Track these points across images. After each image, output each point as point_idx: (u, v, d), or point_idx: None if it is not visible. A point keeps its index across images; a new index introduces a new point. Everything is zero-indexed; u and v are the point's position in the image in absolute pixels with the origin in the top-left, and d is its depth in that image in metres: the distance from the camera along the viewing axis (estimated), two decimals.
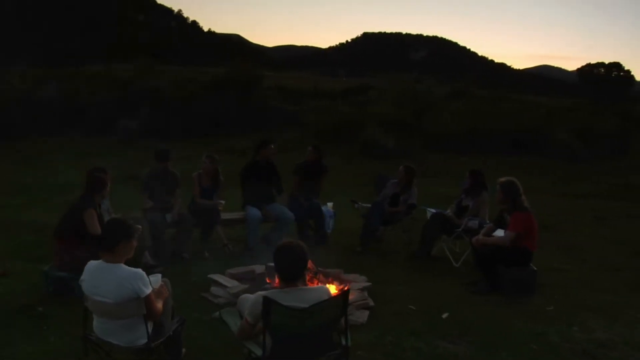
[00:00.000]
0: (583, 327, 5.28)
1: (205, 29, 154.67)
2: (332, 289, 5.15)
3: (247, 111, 24.66)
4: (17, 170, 14.90)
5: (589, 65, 72.25)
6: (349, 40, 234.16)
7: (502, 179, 6.31)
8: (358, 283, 5.74)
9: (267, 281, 5.58)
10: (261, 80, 29.17)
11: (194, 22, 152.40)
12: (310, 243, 6.50)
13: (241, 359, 3.91)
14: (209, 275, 5.90)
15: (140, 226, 4.31)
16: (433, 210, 7.97)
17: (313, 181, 8.29)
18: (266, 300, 3.23)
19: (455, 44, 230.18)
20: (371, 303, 5.56)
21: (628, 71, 70.09)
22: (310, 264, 4.21)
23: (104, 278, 3.47)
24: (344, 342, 3.53)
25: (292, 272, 3.42)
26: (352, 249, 7.81)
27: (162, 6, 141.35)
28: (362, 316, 5.21)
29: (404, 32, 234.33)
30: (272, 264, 5.61)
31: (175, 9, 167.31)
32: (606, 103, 37.18)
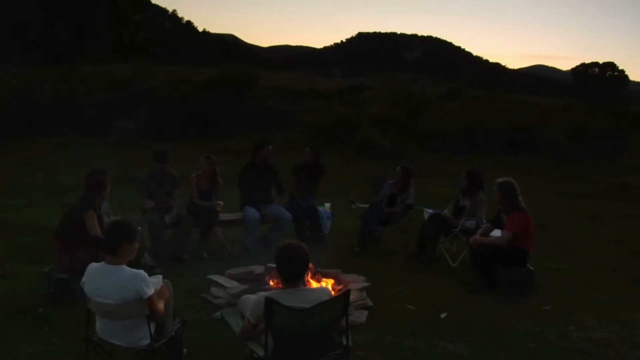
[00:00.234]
0: (580, 326, 5.32)
1: (200, 29, 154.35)
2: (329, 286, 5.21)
3: (244, 111, 24.66)
4: (15, 171, 14.87)
5: (583, 65, 72.47)
6: (344, 40, 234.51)
7: (500, 180, 6.36)
8: (357, 283, 5.77)
9: (267, 281, 5.61)
10: (257, 81, 29.20)
11: (189, 22, 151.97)
12: (309, 243, 6.52)
13: (242, 359, 3.94)
14: (208, 276, 5.92)
15: (139, 227, 4.33)
16: (430, 211, 8.01)
17: (311, 182, 8.32)
18: (268, 301, 3.26)
19: (450, 44, 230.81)
20: (370, 303, 5.60)
21: (622, 71, 70.42)
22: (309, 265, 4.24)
23: (106, 279, 3.49)
24: (344, 342, 3.56)
25: (293, 272, 3.46)
26: (350, 249, 7.83)
27: (156, 6, 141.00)
28: (361, 316, 5.24)
29: (398, 32, 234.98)
30: (271, 265, 5.69)
31: (170, 9, 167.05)
32: (601, 103, 37.33)
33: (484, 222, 7.09)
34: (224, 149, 18.81)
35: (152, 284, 3.61)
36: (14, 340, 4.64)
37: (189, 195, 7.77)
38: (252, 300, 3.57)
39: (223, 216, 7.79)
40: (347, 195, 10.50)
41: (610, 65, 69.83)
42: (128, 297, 3.45)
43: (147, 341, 3.54)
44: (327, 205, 8.47)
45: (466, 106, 25.20)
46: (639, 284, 6.77)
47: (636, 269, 7.46)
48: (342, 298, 3.48)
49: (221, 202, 7.79)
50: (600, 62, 70.78)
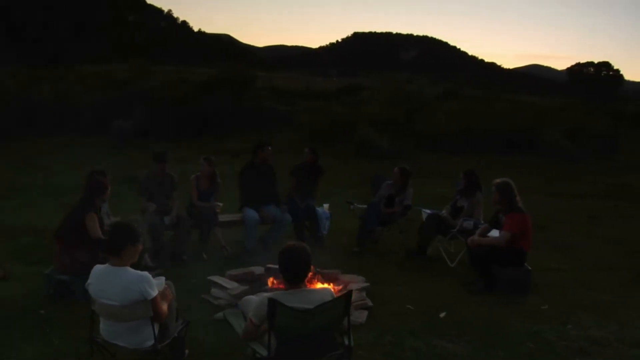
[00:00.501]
0: (579, 325, 5.37)
1: (196, 29, 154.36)
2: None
3: (241, 112, 24.68)
4: (14, 171, 14.85)
5: (578, 65, 72.67)
6: (340, 40, 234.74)
7: (498, 180, 6.40)
8: (356, 284, 5.80)
9: (267, 282, 5.65)
10: (254, 81, 29.20)
11: (184, 22, 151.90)
12: (307, 244, 6.54)
13: (244, 359, 3.98)
14: (208, 277, 5.94)
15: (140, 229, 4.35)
16: (428, 211, 8.05)
17: (310, 183, 8.34)
18: (271, 302, 3.29)
19: (446, 44, 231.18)
20: (370, 303, 5.63)
21: (617, 70, 70.60)
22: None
23: (110, 281, 3.52)
24: (346, 342, 3.60)
25: (296, 273, 3.49)
26: (349, 249, 7.87)
27: (152, 6, 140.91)
28: (361, 316, 5.28)
29: (394, 32, 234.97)
30: (271, 265, 5.72)
31: (165, 9, 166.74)
32: (597, 102, 37.45)
33: (482, 222, 7.14)
34: (222, 149, 18.82)
35: (156, 285, 3.63)
36: (16, 342, 4.65)
37: (188, 197, 7.78)
38: (255, 301, 3.60)
39: (222, 217, 7.80)
40: (345, 196, 10.53)
41: (606, 65, 70.01)
42: (132, 299, 3.48)
43: (151, 342, 3.56)
44: (326, 205, 8.49)
45: (463, 106, 25.25)
46: (638, 284, 6.82)
47: (635, 268, 7.51)
48: (344, 299, 3.52)
49: (221, 204, 7.81)
50: (596, 61, 70.97)
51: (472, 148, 19.93)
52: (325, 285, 5.27)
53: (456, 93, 31.32)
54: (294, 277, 3.49)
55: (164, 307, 3.67)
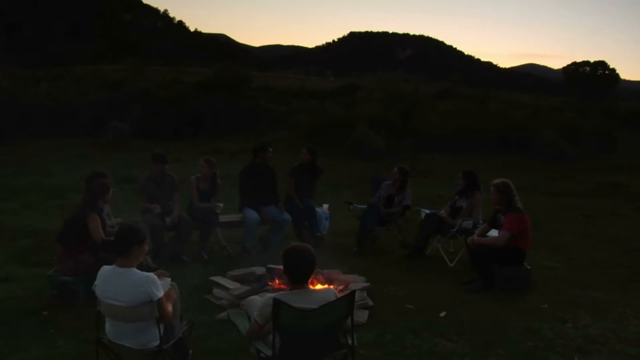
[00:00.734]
0: (576, 323, 5.43)
1: (192, 29, 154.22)
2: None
3: (237, 112, 24.73)
4: (10, 173, 14.85)
5: (574, 64, 72.61)
6: (336, 40, 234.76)
7: (497, 181, 6.47)
8: (357, 283, 5.85)
9: (268, 283, 5.70)
10: (250, 81, 29.26)
11: (180, 22, 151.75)
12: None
13: (247, 359, 4.02)
14: (210, 278, 5.98)
15: None
16: (427, 211, 8.11)
17: (309, 183, 8.38)
18: (276, 302, 3.34)
19: (442, 43, 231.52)
20: (370, 303, 5.69)
21: (613, 69, 70.48)
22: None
23: (117, 282, 3.56)
24: (349, 341, 3.65)
25: (301, 274, 3.54)
26: (348, 249, 7.92)
27: (148, 6, 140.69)
28: (362, 316, 5.32)
29: (390, 32, 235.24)
30: (272, 266, 5.77)
31: (161, 9, 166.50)
32: (592, 102, 37.60)
33: (481, 222, 7.21)
34: (218, 150, 18.87)
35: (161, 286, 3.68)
36: (23, 344, 4.69)
37: (188, 197, 7.82)
38: (260, 301, 3.65)
39: (222, 218, 7.84)
40: (341, 196, 10.59)
41: (601, 64, 69.97)
42: (139, 300, 3.52)
43: (156, 343, 3.60)
44: (326, 206, 8.53)
45: (459, 106, 25.37)
46: (634, 282, 6.89)
47: (629, 267, 7.60)
48: (348, 299, 3.57)
49: (221, 204, 7.85)
50: (592, 60, 70.89)
51: (467, 148, 20.03)
52: (327, 286, 5.33)
53: (452, 92, 31.44)
54: (299, 277, 3.54)
55: (170, 307, 3.72)
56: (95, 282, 3.64)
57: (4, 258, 7.42)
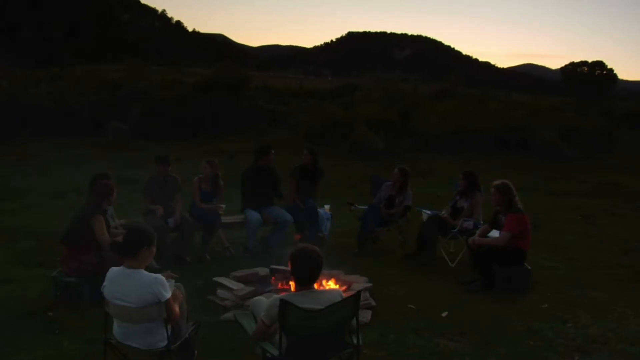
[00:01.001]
0: (576, 323, 5.47)
1: (190, 29, 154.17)
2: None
3: (236, 112, 24.75)
4: (10, 173, 14.85)
5: (572, 64, 72.71)
6: (334, 40, 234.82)
7: (497, 182, 6.52)
8: (360, 284, 5.89)
9: (272, 283, 5.74)
10: (249, 81, 29.28)
11: (178, 22, 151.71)
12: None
13: (252, 359, 4.06)
14: (214, 278, 6.02)
15: None
16: (428, 212, 8.16)
17: (310, 184, 8.41)
18: (283, 303, 3.38)
19: (440, 43, 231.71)
20: (373, 303, 5.73)
21: (611, 69, 70.54)
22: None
23: (126, 284, 3.59)
24: (355, 341, 3.69)
25: (309, 275, 3.58)
26: (349, 250, 7.97)
27: (146, 6, 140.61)
28: (365, 316, 5.36)
29: (388, 32, 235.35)
30: (276, 267, 5.81)
31: (159, 9, 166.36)
32: (590, 101, 37.67)
33: (482, 222, 7.25)
34: (218, 150, 18.89)
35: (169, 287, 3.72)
36: (29, 345, 4.72)
37: (191, 198, 7.85)
38: (266, 302, 3.69)
39: (225, 219, 7.87)
40: (341, 196, 10.61)
41: (599, 64, 70.06)
42: (147, 301, 3.55)
43: (164, 343, 3.64)
44: (327, 207, 8.56)
45: (458, 106, 25.40)
46: (633, 282, 6.95)
47: (629, 267, 7.64)
48: (353, 299, 3.61)
49: (223, 205, 7.89)
50: (590, 60, 71.00)
51: (466, 148, 20.07)
52: (332, 285, 5.37)
53: (451, 92, 31.48)
54: (306, 278, 3.59)
55: (177, 308, 3.76)
56: (104, 283, 3.68)
57: (5, 259, 7.44)
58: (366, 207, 8.33)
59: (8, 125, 20.53)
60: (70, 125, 21.78)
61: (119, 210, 7.46)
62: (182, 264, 7.01)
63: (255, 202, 7.71)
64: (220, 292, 5.79)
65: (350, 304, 3.59)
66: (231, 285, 5.74)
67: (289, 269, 3.76)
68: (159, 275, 3.64)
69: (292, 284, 5.29)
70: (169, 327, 3.65)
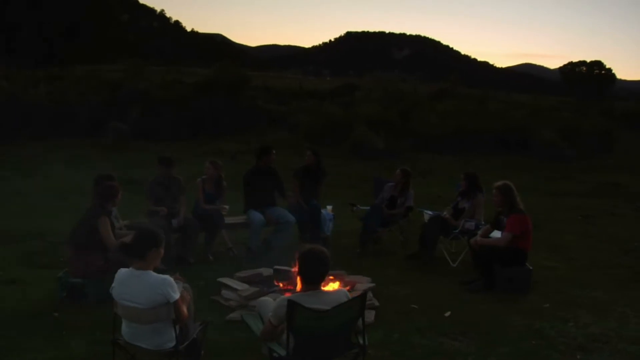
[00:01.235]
0: (577, 322, 5.52)
1: (189, 29, 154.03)
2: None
3: (235, 112, 24.75)
4: (10, 174, 14.84)
5: (570, 64, 72.81)
6: (332, 40, 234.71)
7: (499, 183, 6.57)
8: (363, 284, 5.94)
9: (275, 284, 5.78)
10: (249, 81, 29.26)
11: (177, 22, 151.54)
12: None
13: (259, 359, 4.11)
14: (218, 279, 6.06)
15: None
16: (430, 212, 8.20)
17: (313, 185, 8.45)
18: (290, 303, 3.43)
19: (439, 43, 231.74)
20: (377, 303, 5.77)
21: (609, 69, 70.71)
22: None
23: (135, 285, 3.64)
24: (361, 341, 3.74)
25: (316, 276, 3.63)
26: (352, 250, 8.02)
27: (144, 6, 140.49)
28: (369, 316, 5.39)
29: (387, 31, 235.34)
30: (279, 267, 5.86)
31: (158, 9, 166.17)
32: (589, 101, 37.71)
33: (483, 223, 7.30)
34: (218, 150, 18.90)
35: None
36: (37, 345, 4.75)
37: (194, 199, 7.89)
38: (274, 302, 3.74)
39: (228, 219, 7.91)
40: (342, 196, 10.64)
41: (598, 64, 70.19)
42: (156, 302, 3.60)
43: (172, 343, 3.68)
44: (329, 207, 8.60)
45: (458, 106, 25.42)
46: (633, 282, 7.00)
47: (629, 267, 7.70)
48: (359, 299, 3.66)
49: (227, 206, 7.93)
50: (588, 60, 71.13)
51: (466, 147, 20.11)
52: (337, 286, 5.42)
53: (450, 92, 31.49)
54: (314, 279, 3.64)
55: (185, 309, 3.80)
56: (112, 285, 3.72)
57: (10, 260, 7.45)
58: (368, 207, 8.37)
59: (8, 125, 20.47)
60: (70, 125, 21.74)
61: (119, 211, 7.51)
62: (184, 264, 7.04)
63: (257, 202, 7.74)
64: (224, 292, 5.83)
65: (356, 304, 3.64)
66: (236, 285, 5.78)
67: (292, 269, 3.81)
68: (167, 277, 3.69)
69: (298, 283, 5.35)
70: (177, 327, 3.69)
